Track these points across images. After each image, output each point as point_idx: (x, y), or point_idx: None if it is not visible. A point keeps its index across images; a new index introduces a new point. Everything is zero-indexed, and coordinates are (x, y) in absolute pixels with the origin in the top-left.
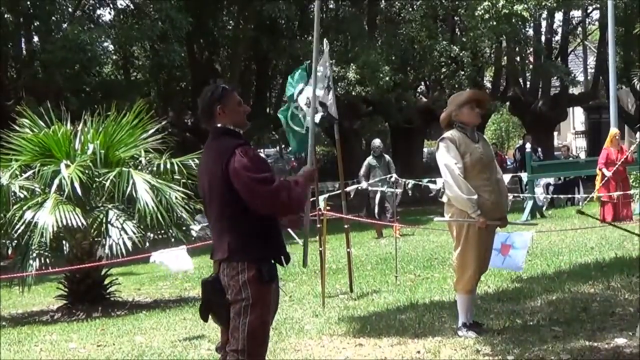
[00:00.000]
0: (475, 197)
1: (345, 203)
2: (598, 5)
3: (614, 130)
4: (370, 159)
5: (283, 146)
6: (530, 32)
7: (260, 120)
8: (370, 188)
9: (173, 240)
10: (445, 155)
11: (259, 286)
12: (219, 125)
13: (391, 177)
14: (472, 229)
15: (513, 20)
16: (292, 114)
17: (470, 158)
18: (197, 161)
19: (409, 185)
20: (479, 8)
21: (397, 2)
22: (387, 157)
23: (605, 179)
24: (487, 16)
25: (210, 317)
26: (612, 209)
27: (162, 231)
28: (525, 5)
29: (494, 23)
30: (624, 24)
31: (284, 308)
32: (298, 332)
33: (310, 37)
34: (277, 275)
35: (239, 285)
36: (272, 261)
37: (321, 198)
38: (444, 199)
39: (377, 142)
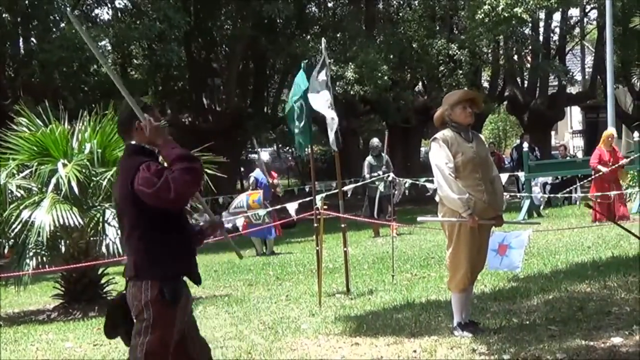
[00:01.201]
0: (466, 196)
1: (342, 202)
2: (596, 5)
3: (609, 130)
4: (369, 159)
5: (280, 145)
6: (528, 31)
7: (257, 120)
8: (370, 186)
9: None
10: (437, 155)
11: (161, 307)
12: (133, 142)
13: (388, 176)
14: (463, 228)
15: (513, 22)
16: (297, 115)
17: (462, 158)
18: None
19: (406, 185)
20: (479, 11)
21: (395, 2)
22: (386, 156)
23: (593, 176)
24: (487, 20)
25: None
26: (606, 209)
27: None
28: (525, 7)
29: (492, 25)
30: (621, 23)
31: (280, 307)
32: (294, 331)
33: (308, 36)
34: (186, 294)
35: (142, 305)
36: (180, 280)
37: (318, 197)
38: (437, 198)
39: (375, 141)
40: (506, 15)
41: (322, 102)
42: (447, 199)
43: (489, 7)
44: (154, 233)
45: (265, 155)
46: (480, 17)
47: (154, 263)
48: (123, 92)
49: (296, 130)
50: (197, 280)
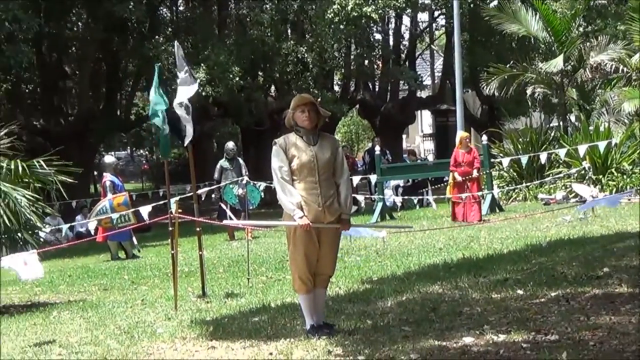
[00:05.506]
0: (298, 200)
1: (197, 206)
2: (444, 10)
3: (462, 133)
4: (222, 162)
5: (134, 149)
6: (378, 35)
7: (110, 123)
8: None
9: (21, 243)
10: (274, 159)
11: None
12: None
13: (243, 179)
14: (299, 230)
15: (363, 21)
16: (163, 118)
17: (298, 161)
18: (43, 164)
19: (261, 188)
20: (328, 11)
21: (245, 7)
22: (240, 159)
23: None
24: (336, 19)
25: None
26: (462, 209)
27: (10, 234)
28: (374, 7)
29: (342, 26)
30: (469, 29)
31: (135, 311)
32: (150, 335)
33: (161, 38)
34: None
35: None
36: None
37: (173, 200)
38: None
39: (230, 144)
40: (355, 14)
41: (189, 93)
42: (281, 202)
43: (339, 6)
44: None
45: (109, 158)
46: (330, 16)
47: None
48: None
49: (164, 134)
50: None
